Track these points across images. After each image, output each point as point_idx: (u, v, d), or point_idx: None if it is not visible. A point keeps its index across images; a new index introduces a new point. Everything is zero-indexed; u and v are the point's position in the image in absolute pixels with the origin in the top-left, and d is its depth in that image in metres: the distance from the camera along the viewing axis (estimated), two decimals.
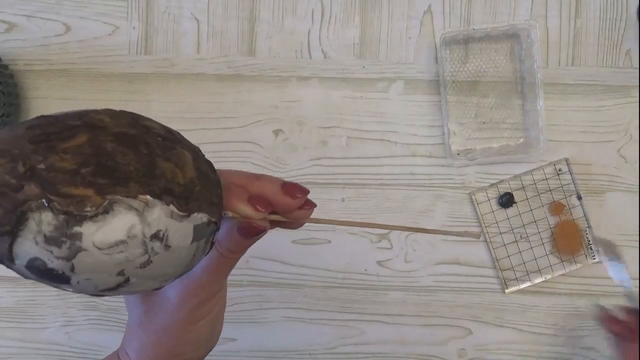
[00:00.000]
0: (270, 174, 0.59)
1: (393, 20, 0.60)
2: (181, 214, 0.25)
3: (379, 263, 0.61)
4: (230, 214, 0.28)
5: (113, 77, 0.60)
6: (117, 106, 0.64)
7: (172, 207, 0.24)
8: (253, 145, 0.60)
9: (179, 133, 0.28)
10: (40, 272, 0.23)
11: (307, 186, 0.32)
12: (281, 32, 0.60)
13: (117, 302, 0.62)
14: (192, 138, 0.59)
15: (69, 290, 0.25)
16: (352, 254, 0.61)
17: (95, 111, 0.26)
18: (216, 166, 0.29)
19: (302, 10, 0.60)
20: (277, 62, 0.60)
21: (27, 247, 0.23)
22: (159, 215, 0.24)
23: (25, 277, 0.24)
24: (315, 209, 0.32)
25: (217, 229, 0.27)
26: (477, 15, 0.60)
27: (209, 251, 0.28)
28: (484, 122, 0.60)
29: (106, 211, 0.23)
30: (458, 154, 0.60)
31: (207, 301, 0.32)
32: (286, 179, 0.30)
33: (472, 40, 0.60)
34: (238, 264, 0.54)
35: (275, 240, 0.61)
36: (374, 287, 0.61)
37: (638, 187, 0.60)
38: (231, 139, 0.60)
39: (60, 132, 0.24)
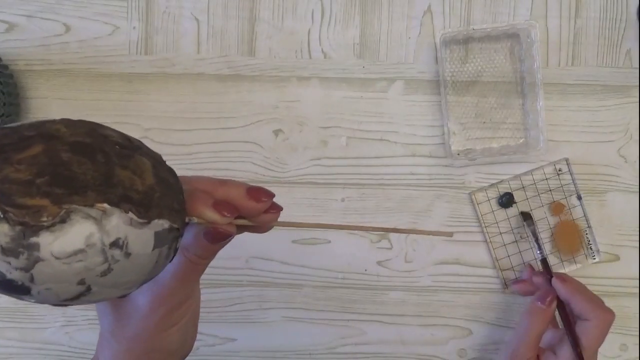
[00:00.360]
0: (270, 174, 0.60)
1: (393, 21, 0.60)
2: (141, 221, 0.25)
3: (379, 263, 0.61)
4: (195, 219, 0.28)
5: (113, 77, 0.60)
6: (117, 106, 0.64)
7: (131, 214, 0.24)
8: (253, 145, 0.60)
9: (138, 141, 0.28)
10: None
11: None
12: (281, 32, 0.60)
13: None
14: (192, 138, 0.59)
15: (30, 301, 0.25)
16: (352, 254, 0.61)
17: (52, 121, 0.25)
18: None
19: (302, 10, 0.60)
20: (277, 62, 0.60)
21: None
22: (118, 223, 0.24)
23: None
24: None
25: (180, 235, 0.27)
26: (477, 15, 0.60)
27: (172, 257, 0.28)
28: (484, 122, 0.60)
29: (63, 221, 0.23)
30: (458, 154, 0.60)
31: (177, 308, 0.32)
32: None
33: (472, 40, 0.60)
34: (238, 264, 0.54)
35: (275, 240, 0.61)
36: (374, 287, 0.61)
37: (638, 187, 0.60)
38: (231, 139, 0.60)
39: (15, 143, 0.23)
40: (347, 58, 0.60)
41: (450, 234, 0.34)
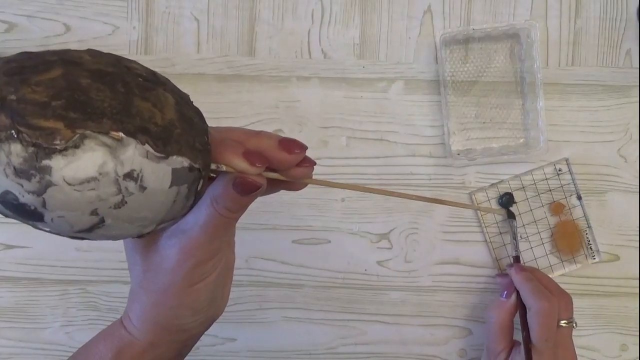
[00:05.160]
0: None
1: (393, 20, 0.60)
2: (158, 154, 0.24)
3: (379, 263, 0.61)
4: (224, 167, 0.27)
5: None
6: None
7: (147, 146, 0.24)
8: None
9: (167, 79, 0.27)
10: (13, 207, 0.23)
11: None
12: (281, 32, 0.60)
13: (117, 302, 0.62)
14: None
15: (45, 230, 0.24)
16: (352, 254, 0.61)
17: (77, 50, 0.25)
18: None
19: (302, 10, 0.60)
20: (277, 62, 0.60)
21: None
22: (133, 154, 0.23)
23: (4, 214, 0.24)
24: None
25: (202, 177, 0.27)
26: (477, 15, 0.60)
27: (194, 200, 0.27)
28: (484, 122, 0.60)
29: (76, 146, 0.22)
30: (458, 154, 0.60)
31: (204, 262, 0.31)
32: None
33: (472, 40, 0.60)
34: (238, 264, 0.54)
35: (275, 240, 0.61)
36: (374, 287, 0.61)
37: (638, 187, 0.60)
38: None
39: (35, 66, 0.23)
40: (347, 58, 0.60)
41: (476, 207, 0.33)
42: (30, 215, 0.23)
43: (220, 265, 0.33)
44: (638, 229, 0.60)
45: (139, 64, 0.26)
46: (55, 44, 0.60)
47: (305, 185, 0.32)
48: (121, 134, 0.23)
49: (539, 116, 0.57)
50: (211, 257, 0.31)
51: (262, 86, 0.60)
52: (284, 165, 0.29)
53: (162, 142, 0.24)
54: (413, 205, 0.60)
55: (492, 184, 0.60)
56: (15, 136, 0.22)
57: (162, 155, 0.24)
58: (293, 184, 0.32)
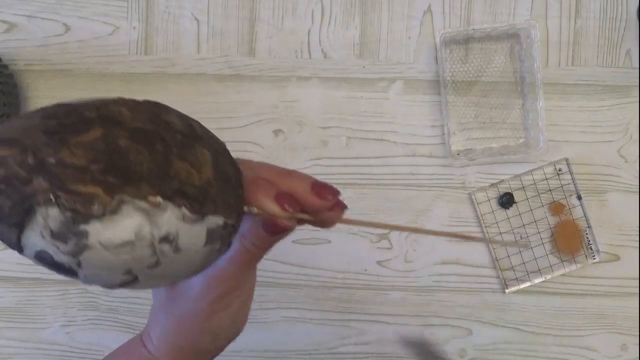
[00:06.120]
0: None
1: (393, 20, 0.60)
2: (193, 216, 0.24)
3: (379, 263, 0.61)
4: (255, 210, 0.27)
5: (113, 77, 0.60)
6: None
7: (184, 209, 0.23)
8: (253, 145, 0.60)
9: (203, 128, 0.27)
10: (48, 263, 0.23)
11: None
12: (281, 32, 0.60)
13: (117, 302, 0.62)
14: None
15: (79, 280, 0.25)
16: (352, 254, 0.61)
17: (115, 102, 0.24)
18: None
19: (302, 10, 0.60)
20: (277, 62, 0.60)
21: (34, 239, 0.23)
22: (170, 217, 0.23)
23: (37, 264, 0.24)
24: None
25: (235, 231, 0.27)
26: (477, 15, 0.60)
27: (225, 251, 0.27)
28: (484, 122, 0.60)
29: (114, 211, 0.22)
30: (458, 154, 0.60)
31: (229, 293, 0.31)
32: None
33: (472, 40, 0.60)
34: None
35: None
36: (374, 287, 0.61)
37: (638, 187, 0.60)
38: (231, 139, 0.60)
39: (74, 125, 0.23)
40: (347, 58, 0.60)
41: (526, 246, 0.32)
42: (64, 271, 0.24)
43: (244, 294, 0.33)
44: (638, 229, 0.60)
45: (176, 113, 0.26)
46: (55, 44, 0.60)
47: (334, 224, 0.31)
48: (159, 199, 0.23)
49: (539, 116, 0.57)
50: (236, 288, 0.32)
51: (262, 86, 0.60)
52: (315, 209, 0.29)
53: (199, 204, 0.24)
54: (413, 205, 0.60)
55: (492, 184, 0.60)
56: (54, 200, 0.22)
57: (198, 216, 0.24)
58: (322, 223, 0.31)
